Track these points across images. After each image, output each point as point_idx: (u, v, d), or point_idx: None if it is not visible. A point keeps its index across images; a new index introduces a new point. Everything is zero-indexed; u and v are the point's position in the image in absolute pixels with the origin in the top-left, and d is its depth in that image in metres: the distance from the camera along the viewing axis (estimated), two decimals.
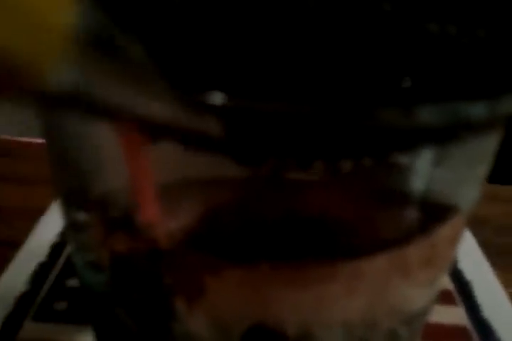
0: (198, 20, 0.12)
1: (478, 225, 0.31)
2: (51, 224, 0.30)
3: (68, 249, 0.28)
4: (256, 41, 0.12)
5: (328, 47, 0.12)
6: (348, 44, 0.12)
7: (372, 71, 0.12)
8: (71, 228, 0.16)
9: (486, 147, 0.14)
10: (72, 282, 0.25)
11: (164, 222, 0.14)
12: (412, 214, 0.15)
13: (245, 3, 0.11)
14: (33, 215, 0.31)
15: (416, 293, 0.16)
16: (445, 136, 0.12)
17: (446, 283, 0.28)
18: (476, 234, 0.33)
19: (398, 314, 0.16)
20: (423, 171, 0.14)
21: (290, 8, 0.12)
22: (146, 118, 0.09)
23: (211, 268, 0.14)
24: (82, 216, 0.16)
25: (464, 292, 0.28)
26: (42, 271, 0.26)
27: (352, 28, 0.12)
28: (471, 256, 0.31)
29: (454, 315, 0.26)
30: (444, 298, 0.27)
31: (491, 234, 0.34)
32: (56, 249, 0.28)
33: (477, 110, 0.10)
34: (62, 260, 0.27)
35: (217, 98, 0.10)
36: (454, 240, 0.16)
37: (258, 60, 0.12)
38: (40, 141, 0.43)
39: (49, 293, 0.25)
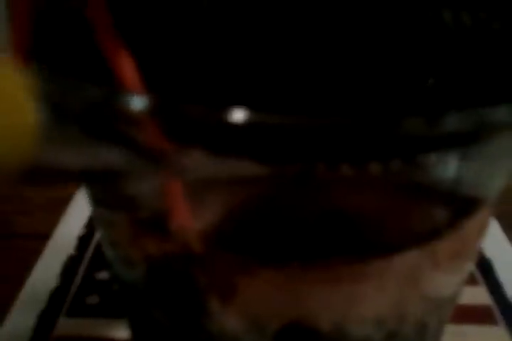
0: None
1: None
2: (77, 216, 0.30)
3: (95, 241, 0.28)
4: (279, 53, 0.12)
5: (355, 57, 0.12)
6: (373, 51, 0.12)
7: (396, 76, 0.12)
8: (101, 225, 0.16)
9: None
10: (102, 275, 0.26)
11: (195, 224, 0.14)
12: (441, 209, 0.15)
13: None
14: (57, 206, 0.31)
15: (445, 283, 0.16)
16: (471, 140, 0.12)
17: None
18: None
19: (428, 305, 0.16)
20: (451, 166, 0.14)
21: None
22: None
23: (243, 268, 0.14)
24: (111, 215, 0.16)
25: (484, 270, 0.28)
26: (71, 265, 0.26)
27: (379, 37, 0.12)
28: (489, 233, 0.31)
29: (476, 295, 0.26)
30: None
31: (508, 207, 0.34)
32: (83, 241, 0.28)
33: (501, 114, 0.10)
34: (90, 252, 0.27)
35: (240, 115, 0.10)
36: (483, 230, 0.17)
37: (285, 71, 0.12)
38: None
39: (80, 287, 0.25)
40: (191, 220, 0.14)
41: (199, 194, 0.14)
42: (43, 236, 0.29)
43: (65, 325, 0.23)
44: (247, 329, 0.15)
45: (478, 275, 0.28)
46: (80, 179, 0.13)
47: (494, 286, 0.27)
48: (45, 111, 0.09)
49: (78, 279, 0.26)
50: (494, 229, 0.31)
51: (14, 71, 0.09)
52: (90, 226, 0.29)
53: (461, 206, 0.15)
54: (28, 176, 0.09)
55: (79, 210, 0.30)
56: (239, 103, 0.10)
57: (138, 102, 0.10)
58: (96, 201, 0.16)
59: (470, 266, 0.18)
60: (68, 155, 0.11)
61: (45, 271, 0.26)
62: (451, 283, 0.17)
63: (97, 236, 0.28)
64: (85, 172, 0.12)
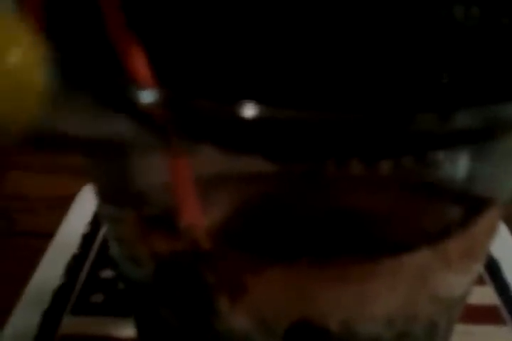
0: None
1: None
2: (81, 214, 0.30)
3: (100, 239, 0.28)
4: (291, 48, 0.12)
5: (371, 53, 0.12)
6: (385, 47, 0.12)
7: (408, 72, 0.12)
8: (108, 222, 0.16)
9: None
10: (107, 273, 0.26)
11: (204, 222, 0.14)
12: (451, 207, 0.15)
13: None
14: (60, 204, 0.31)
15: (455, 283, 0.16)
16: (483, 137, 0.12)
17: None
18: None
19: (438, 304, 0.16)
20: (462, 164, 0.13)
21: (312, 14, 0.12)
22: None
23: (253, 266, 0.14)
24: (119, 212, 0.16)
25: (492, 271, 0.28)
26: (75, 263, 0.26)
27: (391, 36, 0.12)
28: (497, 235, 0.31)
29: (484, 295, 0.26)
30: None
31: None
32: (88, 239, 0.28)
33: None
34: (94, 251, 0.27)
35: (251, 109, 0.10)
36: (493, 230, 0.16)
37: (296, 66, 0.12)
38: None
39: (85, 286, 0.25)
40: (200, 218, 0.14)
41: (208, 191, 0.14)
42: (47, 235, 0.28)
43: (69, 323, 0.23)
44: (256, 328, 0.15)
45: (486, 276, 0.28)
46: (82, 150, 0.13)
47: (502, 287, 0.27)
48: (56, 75, 0.09)
49: (83, 277, 0.26)
50: (502, 231, 0.31)
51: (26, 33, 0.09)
52: (95, 224, 0.29)
53: (472, 205, 0.15)
54: (31, 141, 0.09)
55: (83, 208, 0.30)
56: (250, 98, 0.10)
57: (149, 96, 0.10)
58: (103, 197, 0.16)
59: (479, 267, 0.17)
60: (75, 123, 0.11)
61: (50, 269, 0.26)
62: (461, 283, 0.17)
63: (102, 234, 0.28)
64: (89, 142, 0.12)
